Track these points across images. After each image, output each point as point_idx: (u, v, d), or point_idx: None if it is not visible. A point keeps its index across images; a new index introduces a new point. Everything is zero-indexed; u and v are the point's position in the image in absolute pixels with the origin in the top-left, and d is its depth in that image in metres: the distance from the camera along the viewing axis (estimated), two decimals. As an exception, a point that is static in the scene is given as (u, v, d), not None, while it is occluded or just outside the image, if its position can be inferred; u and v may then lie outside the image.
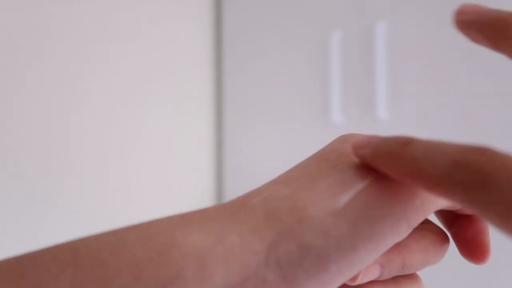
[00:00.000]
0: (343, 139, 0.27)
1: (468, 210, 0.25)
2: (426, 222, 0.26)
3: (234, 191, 1.25)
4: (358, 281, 0.23)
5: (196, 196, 1.25)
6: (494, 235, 0.25)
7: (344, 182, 0.22)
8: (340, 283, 0.21)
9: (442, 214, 0.27)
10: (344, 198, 0.21)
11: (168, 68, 1.19)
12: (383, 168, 0.22)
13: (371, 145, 0.22)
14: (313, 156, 0.26)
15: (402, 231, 0.22)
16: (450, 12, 1.01)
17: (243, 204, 0.22)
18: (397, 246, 0.23)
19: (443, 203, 0.24)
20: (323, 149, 0.26)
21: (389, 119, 1.02)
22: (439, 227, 0.26)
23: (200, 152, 1.26)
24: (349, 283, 0.23)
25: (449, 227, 0.27)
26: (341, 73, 1.07)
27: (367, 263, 0.21)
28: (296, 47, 1.15)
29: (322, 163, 0.24)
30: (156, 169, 1.15)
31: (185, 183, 1.22)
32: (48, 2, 0.96)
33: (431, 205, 0.23)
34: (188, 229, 0.20)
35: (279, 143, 1.17)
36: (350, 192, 0.21)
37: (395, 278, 0.26)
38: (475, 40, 0.23)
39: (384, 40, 1.02)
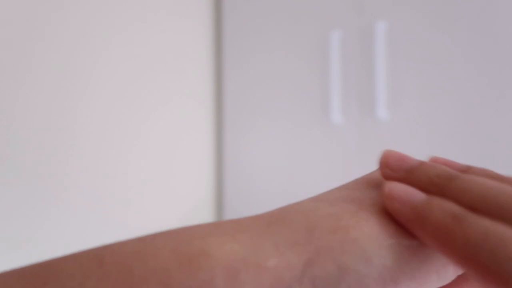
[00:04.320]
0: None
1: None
2: None
3: (234, 191, 1.25)
4: None
5: (196, 195, 1.25)
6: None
7: (390, 216, 0.21)
8: None
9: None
10: (394, 237, 0.20)
11: (168, 68, 1.19)
12: (423, 237, 0.20)
13: (411, 203, 0.21)
14: (357, 180, 0.24)
15: (448, 276, 0.21)
16: (450, 12, 1.01)
17: (282, 216, 0.21)
18: None
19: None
20: (369, 174, 0.24)
21: (389, 119, 1.02)
22: None
23: (200, 152, 1.26)
24: None
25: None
26: (341, 73, 1.07)
27: None
28: (296, 47, 1.15)
29: (366, 191, 0.23)
30: (155, 169, 1.15)
31: (185, 182, 1.22)
32: None
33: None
34: (220, 238, 0.19)
35: (279, 143, 1.17)
36: (396, 228, 0.20)
37: None
38: None
39: (384, 40, 1.02)
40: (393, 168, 0.23)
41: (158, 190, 1.16)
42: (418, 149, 0.96)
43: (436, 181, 0.21)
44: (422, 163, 0.23)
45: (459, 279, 0.24)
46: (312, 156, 1.11)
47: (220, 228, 0.20)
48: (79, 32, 1.01)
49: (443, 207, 0.20)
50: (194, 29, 1.26)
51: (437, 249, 0.19)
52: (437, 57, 0.97)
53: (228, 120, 1.26)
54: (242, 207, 1.23)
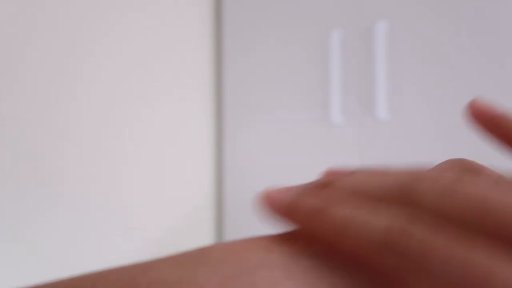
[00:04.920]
0: None
1: None
2: None
3: (234, 191, 1.25)
4: None
5: (196, 196, 1.25)
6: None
7: None
8: None
9: None
10: None
11: (168, 67, 1.19)
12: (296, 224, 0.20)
13: (284, 200, 0.21)
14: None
15: None
16: (450, 12, 1.01)
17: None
18: None
19: None
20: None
21: (389, 119, 1.02)
22: None
23: (199, 153, 1.26)
24: None
25: None
26: (341, 73, 1.07)
27: None
28: (296, 47, 1.15)
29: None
30: (154, 169, 1.15)
31: (185, 182, 1.22)
32: None
33: None
34: (274, 273, 0.17)
35: (279, 143, 1.17)
36: None
37: None
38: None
39: (384, 40, 1.02)
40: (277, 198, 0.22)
41: (157, 190, 1.16)
42: (418, 149, 0.96)
43: (312, 191, 0.21)
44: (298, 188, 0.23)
45: None
46: (312, 156, 1.11)
47: (271, 255, 0.18)
48: (76, 27, 1.01)
49: (311, 200, 0.20)
50: (194, 32, 1.26)
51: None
52: (437, 57, 0.97)
53: (228, 120, 1.26)
54: (242, 206, 1.23)
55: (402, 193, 0.18)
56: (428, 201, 0.17)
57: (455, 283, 0.15)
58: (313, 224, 0.19)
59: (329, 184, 0.21)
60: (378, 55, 1.02)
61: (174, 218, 1.19)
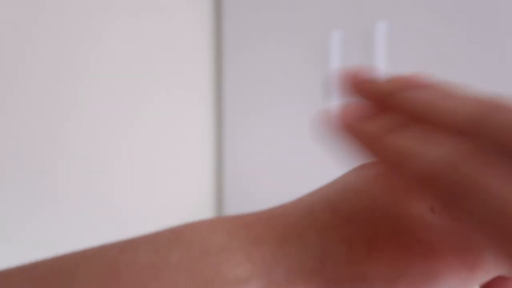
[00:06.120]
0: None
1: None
2: None
3: (234, 190, 1.25)
4: None
5: (196, 195, 1.25)
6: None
7: (407, 245, 0.21)
8: None
9: None
10: (402, 269, 0.20)
11: (167, 68, 1.19)
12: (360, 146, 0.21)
13: (352, 121, 0.22)
14: (378, 181, 0.23)
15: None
16: (450, 12, 1.01)
17: (297, 232, 0.21)
18: None
19: (496, 273, 0.22)
20: (391, 174, 0.23)
21: (389, 119, 1.02)
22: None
23: (199, 153, 1.26)
24: None
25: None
26: (341, 73, 1.07)
27: None
28: (296, 47, 1.15)
29: (388, 202, 0.22)
30: (153, 168, 1.15)
31: (185, 181, 1.22)
32: None
33: (484, 277, 0.21)
34: (235, 256, 0.20)
35: (279, 143, 1.17)
36: (409, 263, 0.20)
37: None
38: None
39: (384, 40, 1.02)
40: (356, 84, 0.24)
41: (156, 190, 1.15)
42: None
43: (386, 92, 0.22)
44: (383, 80, 0.23)
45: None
46: (312, 156, 1.11)
47: (234, 239, 0.20)
48: (74, 25, 1.01)
49: (372, 125, 0.21)
50: (194, 29, 1.25)
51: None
52: (437, 57, 0.97)
53: (228, 120, 1.26)
54: (242, 206, 1.23)
55: (472, 124, 0.17)
56: (496, 135, 0.16)
57: (498, 226, 0.15)
58: (371, 150, 0.20)
59: (401, 100, 0.21)
60: (378, 55, 1.02)
61: (173, 218, 1.19)
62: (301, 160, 1.13)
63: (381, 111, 0.21)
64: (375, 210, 0.21)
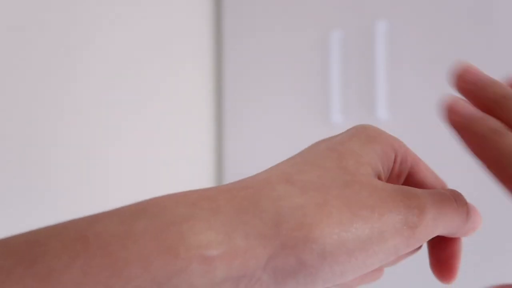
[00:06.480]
0: (359, 137, 0.27)
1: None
2: None
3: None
4: None
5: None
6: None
7: (354, 208, 0.23)
8: None
9: None
10: (350, 230, 0.22)
11: (166, 66, 1.18)
12: (468, 147, 0.24)
13: (464, 116, 0.24)
14: (331, 154, 0.25)
15: (390, 262, 0.25)
16: (450, 12, 1.01)
17: (254, 202, 0.23)
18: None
19: (440, 232, 0.25)
20: (342, 147, 0.26)
21: (389, 119, 1.02)
22: None
23: (199, 152, 1.26)
24: None
25: (429, 243, 0.29)
26: (341, 73, 1.07)
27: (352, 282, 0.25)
28: (296, 47, 1.15)
29: (338, 172, 0.24)
30: (152, 167, 1.15)
31: (184, 180, 1.22)
32: None
33: (425, 237, 0.24)
34: (197, 224, 0.21)
35: (278, 143, 1.17)
36: (357, 225, 0.23)
37: None
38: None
39: (384, 40, 1.02)
40: (466, 81, 0.27)
41: (156, 189, 1.15)
42: (418, 149, 0.96)
43: (493, 97, 0.25)
44: (491, 81, 0.26)
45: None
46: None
47: (196, 210, 0.22)
48: (70, 23, 1.01)
49: (487, 122, 0.23)
50: (193, 28, 1.25)
51: (477, 158, 0.23)
52: (437, 57, 0.97)
53: (228, 120, 1.26)
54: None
55: None
56: None
57: None
58: (480, 149, 0.22)
59: (508, 98, 0.23)
60: (378, 55, 1.02)
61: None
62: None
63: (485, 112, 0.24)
64: (326, 179, 0.24)
